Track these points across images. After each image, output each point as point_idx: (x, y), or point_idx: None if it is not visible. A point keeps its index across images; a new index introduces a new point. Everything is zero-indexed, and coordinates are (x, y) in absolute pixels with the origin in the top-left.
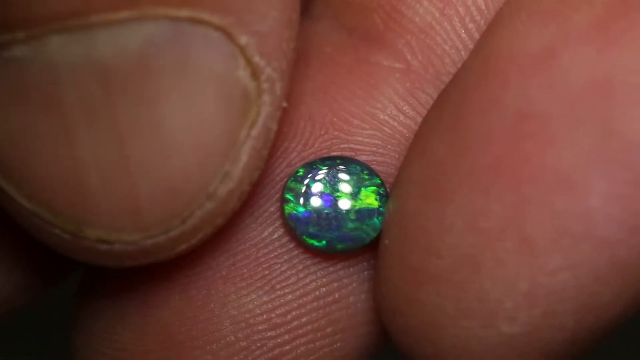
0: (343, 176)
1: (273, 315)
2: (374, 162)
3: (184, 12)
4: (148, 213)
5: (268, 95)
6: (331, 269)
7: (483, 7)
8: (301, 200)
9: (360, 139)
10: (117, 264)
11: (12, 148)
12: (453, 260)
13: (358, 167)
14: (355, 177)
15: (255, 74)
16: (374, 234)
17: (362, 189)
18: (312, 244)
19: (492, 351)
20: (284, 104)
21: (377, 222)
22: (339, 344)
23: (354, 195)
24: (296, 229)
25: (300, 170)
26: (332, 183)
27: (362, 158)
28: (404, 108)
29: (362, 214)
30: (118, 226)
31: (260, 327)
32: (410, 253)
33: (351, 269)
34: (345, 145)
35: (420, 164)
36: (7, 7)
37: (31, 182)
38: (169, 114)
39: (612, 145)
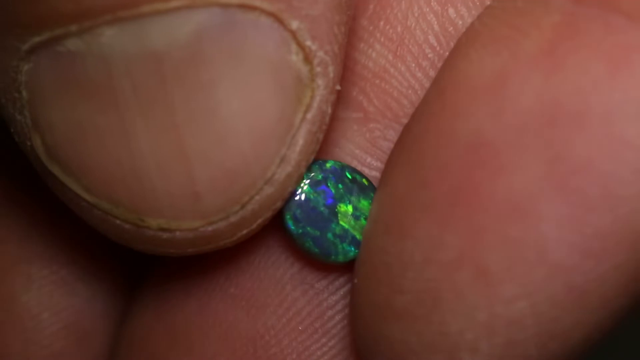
0: (356, 194)
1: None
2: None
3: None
4: (207, 200)
5: (321, 78)
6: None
7: (435, 44)
8: (311, 184)
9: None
10: (179, 251)
11: (70, 143)
12: (414, 295)
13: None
14: (364, 201)
15: (307, 58)
16: (341, 258)
17: (362, 219)
18: (289, 225)
19: None
20: (338, 87)
21: (352, 251)
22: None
23: (355, 217)
24: (286, 207)
25: (330, 163)
26: (345, 191)
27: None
28: (368, 160)
29: (346, 236)
30: (178, 214)
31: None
32: (375, 290)
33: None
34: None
35: (385, 201)
36: (58, 1)
37: (91, 175)
38: (224, 100)
39: (559, 170)
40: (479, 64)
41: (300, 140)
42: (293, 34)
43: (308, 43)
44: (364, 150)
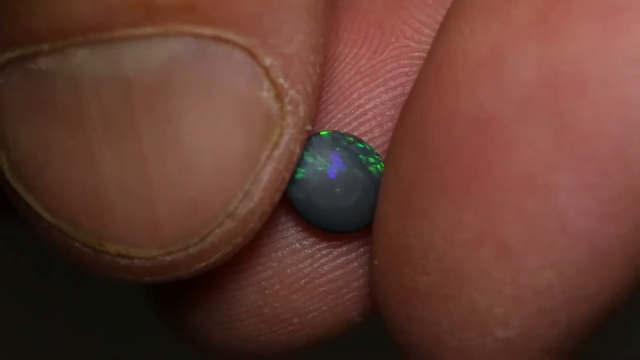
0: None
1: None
2: None
3: (208, 31)
4: (167, 230)
5: (291, 117)
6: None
7: None
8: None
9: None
10: (136, 279)
11: (35, 161)
12: (439, 276)
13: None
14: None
15: (279, 95)
16: (344, 229)
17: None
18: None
19: (493, 357)
20: (309, 127)
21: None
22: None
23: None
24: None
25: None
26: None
27: None
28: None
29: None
30: (137, 241)
31: (326, 235)
32: (399, 273)
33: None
34: (416, 54)
35: (394, 184)
36: (32, 19)
37: (52, 195)
38: (191, 131)
39: (568, 138)
40: (472, 38)
41: (265, 177)
42: (266, 70)
43: (280, 80)
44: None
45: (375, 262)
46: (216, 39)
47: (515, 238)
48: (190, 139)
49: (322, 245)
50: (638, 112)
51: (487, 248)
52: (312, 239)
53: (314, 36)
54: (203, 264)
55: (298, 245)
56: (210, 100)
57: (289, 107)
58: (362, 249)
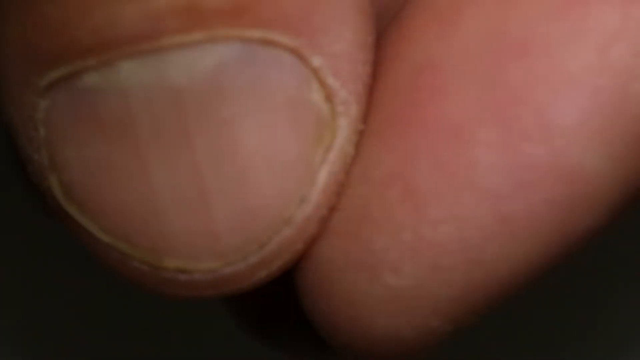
0: None
1: None
2: None
3: (256, 33)
4: (226, 240)
5: (344, 118)
6: None
7: None
8: None
9: None
10: (197, 294)
11: (87, 181)
12: (347, 212)
13: None
14: None
15: (329, 96)
16: None
17: None
18: None
19: (380, 305)
20: (361, 128)
21: None
22: None
23: None
24: None
25: None
26: None
27: None
28: None
29: None
30: (196, 254)
31: None
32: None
33: None
34: None
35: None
36: (76, 33)
37: (108, 215)
38: (244, 138)
39: (496, 96)
40: None
41: (321, 181)
42: (315, 71)
43: (330, 81)
44: None
45: None
46: (264, 42)
47: (424, 184)
48: (244, 145)
49: None
50: (572, 85)
51: (395, 190)
52: None
53: (362, 34)
54: (264, 274)
55: None
56: (261, 105)
57: (340, 108)
58: None
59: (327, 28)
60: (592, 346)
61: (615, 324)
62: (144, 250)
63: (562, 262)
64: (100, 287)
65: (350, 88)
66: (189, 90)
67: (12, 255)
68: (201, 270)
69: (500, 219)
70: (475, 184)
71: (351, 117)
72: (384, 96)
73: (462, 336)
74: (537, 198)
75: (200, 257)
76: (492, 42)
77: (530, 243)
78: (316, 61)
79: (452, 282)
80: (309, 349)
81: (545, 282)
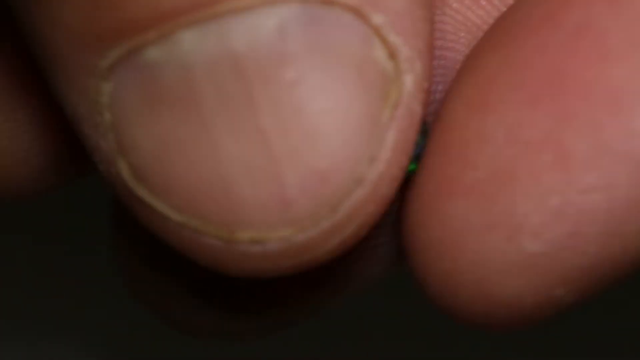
0: None
1: None
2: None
3: None
4: (298, 205)
5: (408, 75)
6: None
7: None
8: None
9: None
10: (272, 267)
11: (157, 160)
12: (488, 172)
13: None
14: None
15: (392, 54)
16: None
17: None
18: None
19: (510, 269)
20: (426, 85)
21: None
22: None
23: None
24: None
25: None
26: None
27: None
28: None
29: None
30: (269, 222)
31: None
32: (446, 164)
33: None
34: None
35: (469, 80)
36: (133, 6)
37: (178, 193)
38: (309, 99)
39: None
40: None
41: (390, 138)
42: (376, 29)
43: (392, 38)
44: None
45: (425, 155)
46: (324, 2)
47: (580, 150)
48: (310, 107)
49: None
50: None
51: (548, 153)
52: None
53: None
54: (338, 239)
55: None
56: (325, 66)
57: (404, 65)
58: None
59: None
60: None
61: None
62: (216, 225)
63: None
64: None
65: (413, 45)
66: (252, 55)
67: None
68: (274, 239)
69: None
70: (632, 154)
71: (416, 74)
72: (531, 54)
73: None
74: None
75: (273, 226)
76: None
77: None
78: (377, 19)
79: (588, 252)
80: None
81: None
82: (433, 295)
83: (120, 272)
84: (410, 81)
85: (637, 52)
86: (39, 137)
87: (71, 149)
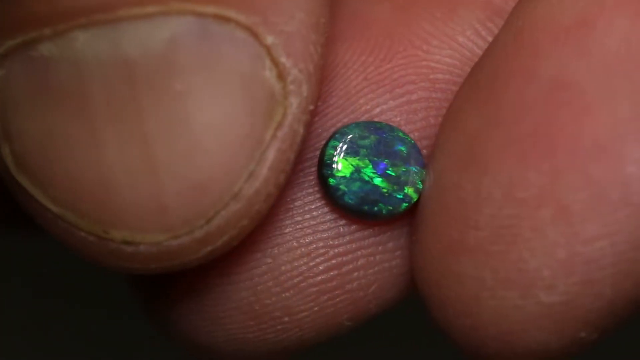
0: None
1: (339, 223)
2: (451, 82)
3: (210, 9)
4: (173, 212)
5: (294, 97)
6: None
7: None
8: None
9: (438, 57)
10: (142, 267)
11: (38, 151)
12: (491, 231)
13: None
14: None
15: (281, 75)
16: (414, 196)
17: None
18: (347, 203)
19: (531, 321)
20: (311, 107)
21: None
22: (398, 260)
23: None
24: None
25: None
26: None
27: (439, 77)
28: (483, 33)
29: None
30: (143, 226)
31: (323, 235)
32: (448, 225)
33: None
34: (424, 63)
35: (456, 137)
36: (32, 3)
37: (57, 185)
38: (195, 112)
39: None
40: (559, 6)
41: (270, 157)
42: (267, 49)
43: (282, 59)
44: (481, 24)
45: (424, 213)
46: (218, 17)
47: (577, 202)
48: (195, 120)
49: (318, 245)
50: None
51: (547, 209)
52: (309, 239)
53: (314, 15)
54: (209, 248)
55: (295, 244)
56: (213, 80)
57: (291, 87)
58: (358, 252)
59: (280, 7)
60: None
61: None
62: (91, 221)
63: None
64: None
65: (302, 67)
66: (142, 63)
67: None
68: (147, 243)
69: None
70: (629, 199)
71: (302, 96)
72: (513, 111)
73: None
74: None
75: (147, 229)
76: (634, 60)
77: None
78: (269, 39)
79: (603, 294)
80: None
81: None
82: (460, 347)
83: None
84: (296, 103)
85: (614, 100)
86: None
87: None
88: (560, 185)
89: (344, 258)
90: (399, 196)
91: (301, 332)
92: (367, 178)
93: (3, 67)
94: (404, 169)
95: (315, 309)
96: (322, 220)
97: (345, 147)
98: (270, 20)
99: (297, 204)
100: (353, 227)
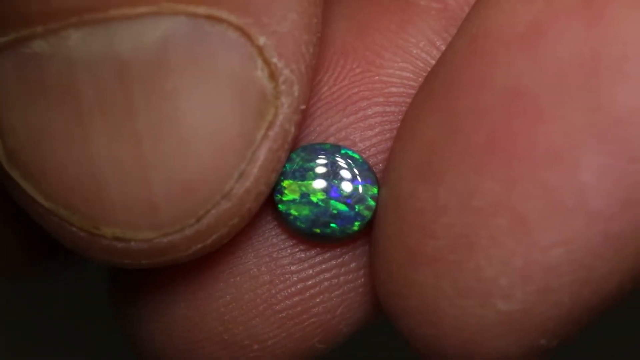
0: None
1: (296, 249)
2: (405, 95)
3: (202, 10)
4: (164, 211)
5: (286, 97)
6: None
7: None
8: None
9: (391, 71)
10: (133, 263)
11: (30, 146)
12: (448, 241)
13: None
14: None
15: (273, 75)
16: (366, 213)
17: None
18: (299, 227)
19: (490, 329)
20: (303, 107)
21: (370, 204)
22: (362, 279)
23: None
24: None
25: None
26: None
27: (392, 90)
28: (438, 43)
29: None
30: (134, 224)
31: (283, 261)
32: (406, 235)
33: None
34: (377, 78)
35: (412, 146)
36: (25, 1)
37: (48, 180)
38: (186, 111)
39: (600, 119)
40: (512, 13)
41: (261, 157)
42: (259, 49)
43: (274, 60)
44: (436, 33)
45: (381, 225)
46: (210, 17)
47: (533, 211)
48: (186, 119)
49: (279, 272)
50: None
51: (503, 217)
52: (270, 266)
53: (306, 16)
54: (200, 246)
55: (256, 271)
56: (205, 80)
57: (283, 87)
58: (322, 276)
59: (273, 8)
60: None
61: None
62: (82, 217)
63: None
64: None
65: (294, 67)
66: (134, 62)
67: None
68: (138, 240)
69: (609, 239)
70: (585, 207)
71: (293, 96)
72: (468, 120)
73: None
74: None
75: (138, 227)
76: (587, 67)
77: (636, 259)
78: (261, 40)
79: (561, 302)
80: None
81: None
82: (423, 356)
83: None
84: (287, 103)
85: (568, 109)
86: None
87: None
88: (516, 193)
89: (307, 283)
90: (350, 215)
91: (274, 358)
92: (315, 200)
93: None
94: (352, 188)
95: (284, 334)
96: (281, 247)
97: (292, 172)
98: (263, 21)
99: (256, 232)
100: (313, 251)
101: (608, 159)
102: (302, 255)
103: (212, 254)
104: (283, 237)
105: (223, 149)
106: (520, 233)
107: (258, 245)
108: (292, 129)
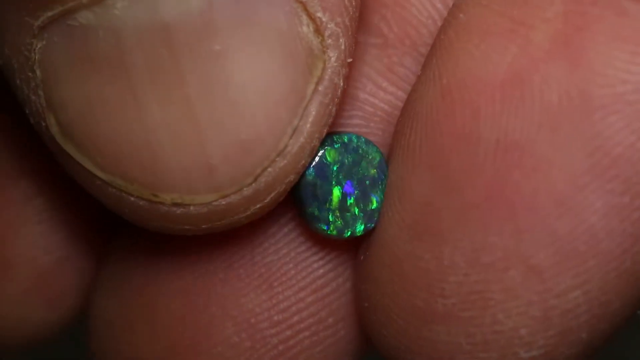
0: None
1: (273, 312)
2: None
3: None
4: (221, 172)
5: (333, 51)
6: (326, 258)
7: None
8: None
9: (341, 121)
10: (193, 227)
11: (84, 120)
12: (460, 298)
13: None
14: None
15: (318, 30)
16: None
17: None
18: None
19: None
20: (350, 60)
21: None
22: (342, 332)
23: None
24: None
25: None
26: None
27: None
28: (384, 85)
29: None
30: (192, 188)
31: (262, 326)
32: (410, 294)
33: (345, 256)
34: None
35: (402, 207)
36: None
37: (104, 152)
38: (236, 71)
39: (600, 160)
40: (486, 60)
41: (313, 112)
42: (303, 5)
43: (319, 14)
44: (380, 74)
45: (378, 283)
46: None
47: (546, 259)
48: (236, 79)
49: (259, 337)
50: None
51: (515, 270)
52: (249, 331)
53: None
54: (258, 206)
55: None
56: (251, 39)
57: (329, 41)
58: (300, 335)
59: None
60: None
61: None
62: (140, 186)
63: None
64: None
65: (338, 21)
66: (180, 26)
67: None
68: (197, 204)
69: (623, 274)
70: (597, 248)
71: (340, 49)
72: (463, 177)
73: None
74: None
75: (196, 191)
76: (578, 110)
77: None
78: None
79: (580, 340)
80: None
81: None
82: None
83: None
84: (334, 56)
85: (566, 153)
86: None
87: None
88: (525, 244)
89: (288, 343)
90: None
91: None
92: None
93: (43, 39)
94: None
95: None
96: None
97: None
98: None
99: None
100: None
101: (612, 198)
102: (280, 317)
103: (190, 317)
104: (263, 297)
105: (275, 106)
106: (535, 283)
107: (234, 312)
108: (341, 82)
